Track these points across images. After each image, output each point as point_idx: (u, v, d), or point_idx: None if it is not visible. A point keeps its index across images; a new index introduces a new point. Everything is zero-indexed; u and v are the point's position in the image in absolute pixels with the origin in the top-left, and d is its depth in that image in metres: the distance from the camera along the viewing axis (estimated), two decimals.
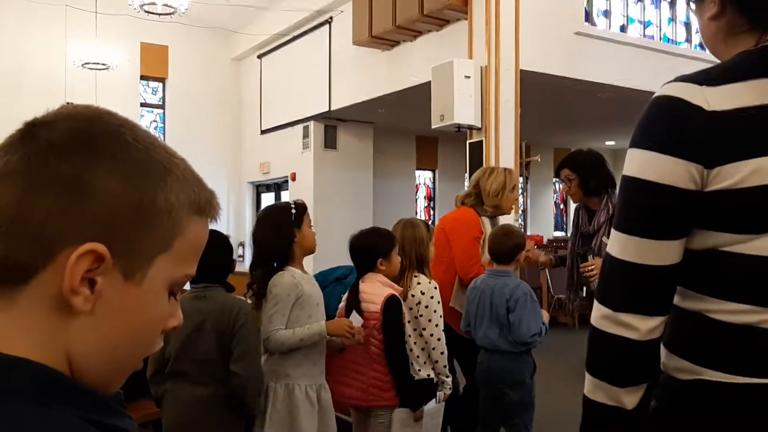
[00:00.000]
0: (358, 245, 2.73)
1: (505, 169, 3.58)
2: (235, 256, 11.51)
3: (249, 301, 2.51)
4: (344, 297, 2.71)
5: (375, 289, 2.64)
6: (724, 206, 0.95)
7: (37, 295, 0.55)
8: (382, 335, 2.61)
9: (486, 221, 3.49)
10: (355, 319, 2.55)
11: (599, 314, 1.05)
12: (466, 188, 3.74)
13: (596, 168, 3.27)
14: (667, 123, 0.98)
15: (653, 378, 1.06)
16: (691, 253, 1.00)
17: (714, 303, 0.99)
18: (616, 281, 1.04)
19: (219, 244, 2.43)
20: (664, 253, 0.99)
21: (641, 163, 0.99)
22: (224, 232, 10.10)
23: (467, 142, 7.37)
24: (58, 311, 0.55)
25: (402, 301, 2.68)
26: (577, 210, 3.44)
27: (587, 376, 1.09)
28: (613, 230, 1.05)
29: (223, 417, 2.35)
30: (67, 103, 0.63)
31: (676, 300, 1.05)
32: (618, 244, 1.03)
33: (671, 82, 1.00)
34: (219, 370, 2.33)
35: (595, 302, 1.07)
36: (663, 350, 1.07)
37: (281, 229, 2.49)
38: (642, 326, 1.00)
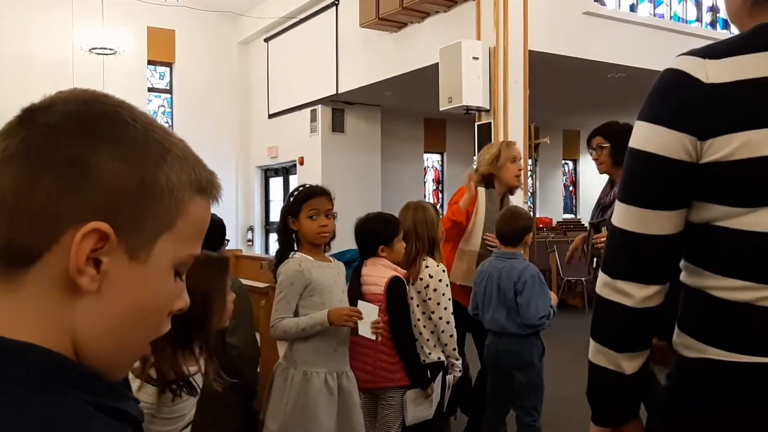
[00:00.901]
0: (362, 230, 2.73)
1: (502, 142, 3.58)
2: (243, 240, 11.53)
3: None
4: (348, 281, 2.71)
5: (378, 272, 2.62)
6: (716, 178, 0.95)
7: (43, 277, 0.55)
8: (388, 317, 2.59)
9: (482, 192, 3.49)
10: (365, 306, 2.47)
11: (601, 282, 1.09)
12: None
13: (629, 139, 3.24)
14: (666, 96, 1.00)
15: (649, 347, 1.09)
16: (691, 226, 1.01)
17: (714, 279, 1.00)
18: (615, 250, 1.07)
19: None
20: (660, 223, 1.01)
21: (642, 135, 1.02)
22: (233, 216, 10.10)
23: (475, 124, 7.33)
24: (64, 293, 0.55)
25: (406, 283, 2.67)
26: (606, 185, 3.41)
27: (591, 341, 1.12)
28: (617, 201, 1.08)
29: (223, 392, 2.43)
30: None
31: (683, 277, 1.06)
32: (619, 214, 1.06)
33: (680, 55, 1.01)
34: (215, 345, 2.42)
35: (600, 270, 1.11)
36: (675, 329, 1.08)
37: (282, 217, 2.50)
38: (637, 294, 1.04)
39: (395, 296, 2.60)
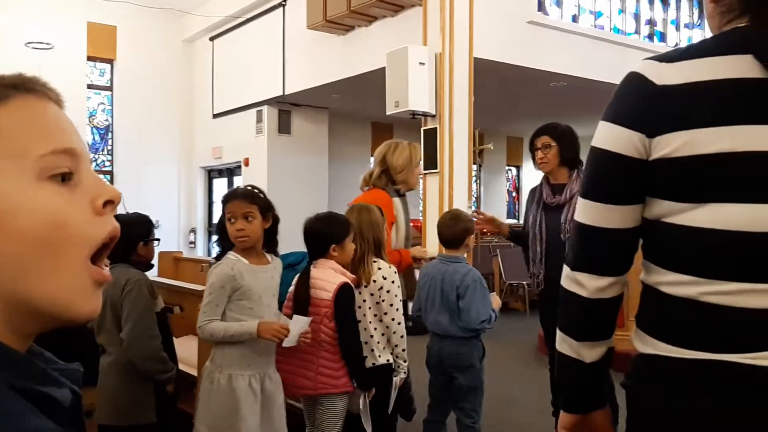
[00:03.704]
0: (312, 230, 2.70)
1: (409, 144, 3.55)
2: (185, 242, 11.26)
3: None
4: (294, 282, 2.67)
5: (327, 276, 2.60)
6: (662, 174, 1.00)
7: None
8: (335, 324, 2.58)
9: (398, 203, 3.43)
10: (298, 319, 2.47)
11: (564, 273, 1.14)
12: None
13: (574, 140, 3.31)
14: (622, 97, 1.06)
15: (609, 337, 1.13)
16: (645, 222, 1.06)
17: (663, 275, 1.04)
18: (574, 242, 1.13)
19: (120, 226, 2.56)
20: (614, 217, 1.05)
21: (600, 134, 1.07)
22: (175, 217, 9.85)
23: (422, 129, 7.39)
24: None
25: (354, 289, 2.66)
26: (534, 188, 3.45)
27: (557, 330, 1.17)
28: (579, 196, 1.14)
29: (126, 382, 2.54)
30: None
31: (642, 275, 1.10)
32: (579, 209, 1.12)
33: (644, 59, 1.07)
34: (117, 340, 2.54)
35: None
36: (634, 325, 1.12)
37: (220, 218, 2.48)
38: (590, 284, 1.09)
39: (344, 304, 2.58)
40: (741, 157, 0.94)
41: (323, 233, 2.66)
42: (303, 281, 2.61)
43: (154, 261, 5.77)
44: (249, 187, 2.50)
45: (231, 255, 2.42)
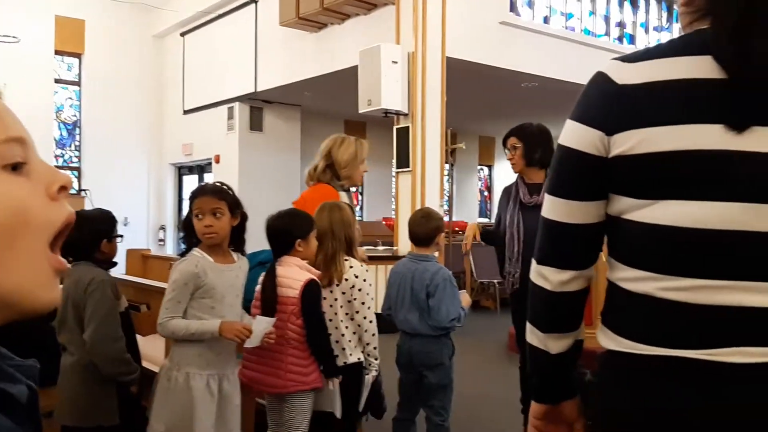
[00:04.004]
0: (275, 227, 2.67)
1: (356, 139, 3.52)
2: (155, 240, 11.11)
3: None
4: (260, 281, 2.65)
5: (293, 274, 2.58)
6: (620, 171, 1.02)
7: None
8: (302, 320, 2.57)
9: (344, 197, 3.38)
10: (262, 320, 2.44)
11: (532, 267, 1.17)
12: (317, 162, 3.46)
13: (543, 141, 3.32)
14: (586, 96, 1.08)
15: (575, 329, 1.17)
16: (608, 219, 1.08)
17: (622, 271, 1.06)
18: (540, 237, 1.16)
19: (82, 222, 2.56)
20: (577, 212, 1.08)
21: (565, 132, 1.10)
22: (144, 215, 9.71)
23: (394, 127, 7.40)
24: None
25: (320, 286, 2.64)
26: (509, 187, 3.46)
27: (527, 322, 1.21)
28: (545, 193, 1.17)
29: (87, 383, 2.48)
30: None
31: (607, 272, 1.12)
32: (545, 204, 1.14)
33: (610, 59, 1.09)
34: (79, 340, 2.48)
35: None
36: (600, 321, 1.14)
37: (186, 215, 2.45)
38: (554, 278, 1.12)
39: (311, 300, 2.56)
40: (693, 155, 0.95)
41: (287, 229, 2.64)
42: (269, 279, 2.58)
43: (122, 258, 5.72)
44: (218, 184, 2.47)
45: (196, 252, 2.38)
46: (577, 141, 1.06)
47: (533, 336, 1.18)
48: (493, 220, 3.92)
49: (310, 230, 2.66)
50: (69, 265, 2.66)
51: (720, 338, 0.95)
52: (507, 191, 3.46)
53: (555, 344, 1.15)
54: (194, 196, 2.41)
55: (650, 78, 1.00)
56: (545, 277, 1.13)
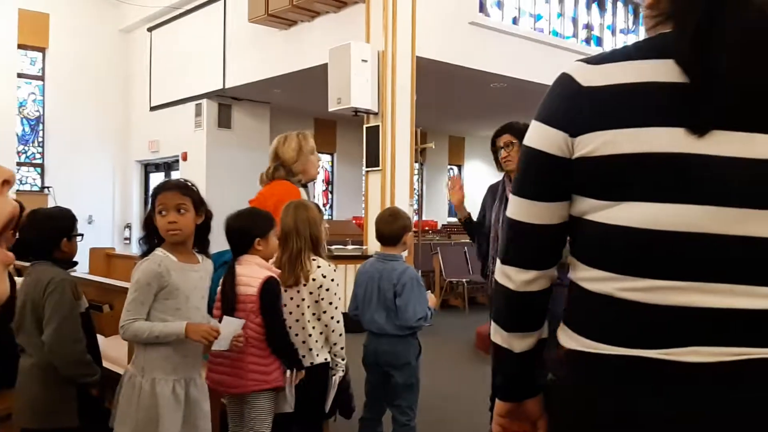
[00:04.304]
0: (234, 226, 2.64)
1: (298, 133, 3.49)
2: (120, 239, 10.90)
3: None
4: (221, 281, 2.62)
5: (252, 272, 2.55)
6: (583, 173, 1.03)
7: None
8: (261, 319, 2.53)
9: (302, 193, 3.37)
10: (231, 321, 2.39)
11: (496, 266, 1.18)
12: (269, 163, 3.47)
13: None
14: (551, 97, 1.09)
15: (537, 328, 1.17)
16: (571, 219, 1.09)
17: (584, 271, 1.07)
18: (504, 237, 1.16)
19: (41, 221, 2.52)
20: (540, 213, 1.09)
21: (531, 132, 1.10)
22: (109, 213, 9.48)
23: (364, 126, 7.39)
24: None
25: (279, 283, 2.62)
26: (494, 185, 3.45)
27: (492, 321, 1.21)
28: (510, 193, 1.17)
29: (46, 385, 2.43)
30: None
31: (569, 272, 1.13)
32: (510, 205, 1.15)
33: (575, 61, 1.10)
34: (38, 341, 2.43)
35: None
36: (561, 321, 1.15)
37: (148, 213, 2.37)
38: (517, 278, 1.12)
39: (270, 298, 2.53)
40: (654, 158, 0.96)
41: (246, 229, 2.62)
42: (229, 278, 2.55)
43: (85, 257, 5.61)
44: (182, 180, 2.40)
45: (159, 251, 2.30)
46: (541, 142, 1.07)
47: (497, 335, 1.19)
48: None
49: (270, 229, 2.64)
50: (23, 262, 2.61)
51: (676, 338, 0.97)
52: (492, 189, 3.46)
53: (518, 343, 1.16)
54: (157, 191, 2.32)
55: (614, 80, 1.01)
56: (509, 276, 1.13)
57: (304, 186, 3.46)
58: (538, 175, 1.09)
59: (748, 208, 0.94)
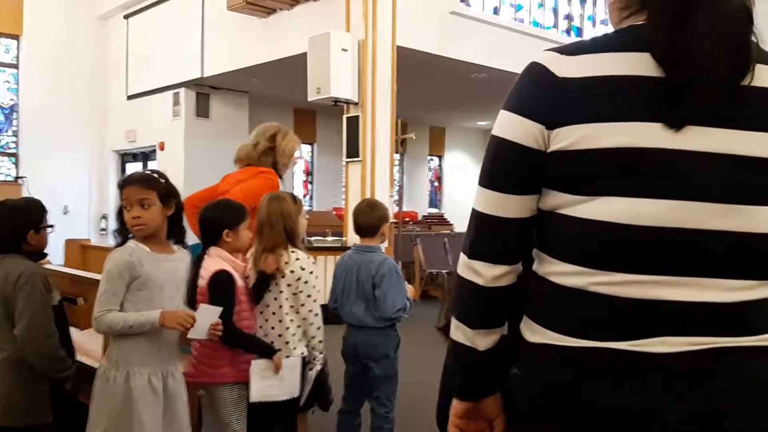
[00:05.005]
0: (205, 217, 2.63)
1: (297, 140, 3.61)
2: (96, 230, 10.77)
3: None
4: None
5: (209, 264, 2.54)
6: (559, 167, 1.01)
7: None
8: None
9: (280, 185, 3.43)
10: (208, 309, 2.35)
11: (460, 261, 1.14)
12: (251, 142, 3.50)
13: None
14: (523, 86, 1.06)
15: (502, 325, 1.15)
16: (540, 213, 1.07)
17: (554, 265, 1.05)
18: (470, 231, 1.13)
19: (7, 213, 2.50)
20: (510, 206, 1.06)
21: (500, 122, 1.07)
22: (85, 203, 9.38)
23: (344, 116, 7.34)
24: None
25: (233, 277, 2.55)
26: None
27: (452, 318, 1.18)
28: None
29: (19, 380, 2.39)
30: None
31: (534, 266, 1.11)
32: (476, 197, 1.11)
33: (544, 50, 1.06)
34: (9, 336, 2.39)
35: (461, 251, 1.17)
36: (524, 315, 1.13)
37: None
38: (486, 273, 1.09)
39: (217, 291, 2.49)
40: (631, 152, 0.96)
41: (216, 219, 2.61)
42: (193, 269, 2.52)
43: (60, 249, 5.52)
44: (148, 172, 2.36)
45: (131, 242, 2.27)
46: (514, 133, 1.04)
47: (459, 332, 1.15)
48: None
49: (241, 221, 2.62)
50: None
51: (646, 330, 0.97)
52: None
53: (483, 340, 1.13)
54: (121, 186, 2.29)
55: (591, 73, 0.99)
56: (477, 271, 1.10)
57: (279, 177, 3.49)
58: (509, 167, 1.06)
59: (723, 203, 0.95)
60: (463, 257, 1.13)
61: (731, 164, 0.94)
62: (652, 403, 0.95)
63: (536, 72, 1.04)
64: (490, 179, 1.08)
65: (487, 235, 1.10)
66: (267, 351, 2.61)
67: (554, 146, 1.00)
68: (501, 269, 1.09)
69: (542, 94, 1.02)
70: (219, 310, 2.38)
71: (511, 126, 1.05)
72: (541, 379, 1.06)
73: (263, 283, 2.70)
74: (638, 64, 0.97)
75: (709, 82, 0.94)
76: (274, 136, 3.46)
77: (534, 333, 1.07)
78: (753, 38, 0.97)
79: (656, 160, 0.95)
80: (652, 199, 0.95)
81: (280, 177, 3.47)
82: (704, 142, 0.94)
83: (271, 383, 2.58)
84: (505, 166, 1.06)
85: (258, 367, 2.56)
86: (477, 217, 1.10)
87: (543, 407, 1.05)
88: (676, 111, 0.95)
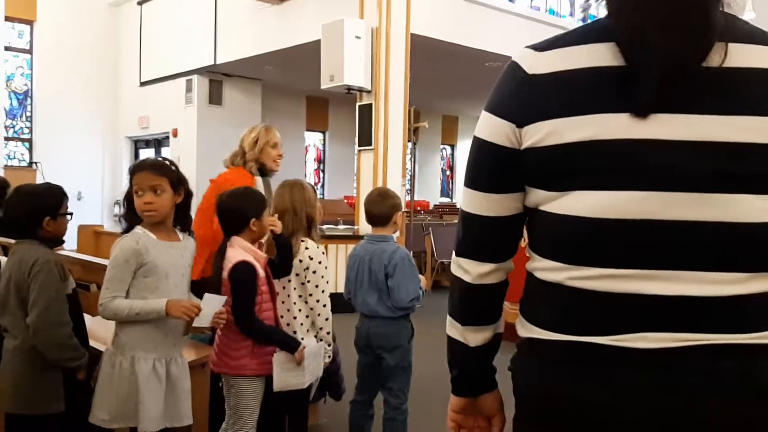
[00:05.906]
0: (228, 207, 2.58)
1: (263, 126, 3.64)
2: (109, 216, 10.82)
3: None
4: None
5: (232, 255, 2.50)
6: (532, 163, 1.01)
7: None
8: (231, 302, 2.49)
9: (259, 180, 3.48)
10: (212, 298, 2.34)
11: (452, 259, 1.18)
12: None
13: None
14: (499, 86, 1.07)
15: (493, 322, 1.17)
16: (526, 211, 1.08)
17: (537, 261, 1.06)
18: (459, 230, 1.15)
19: (23, 198, 2.45)
20: (492, 205, 1.08)
21: (480, 123, 1.09)
22: (98, 189, 9.42)
23: (357, 104, 7.30)
24: None
25: (255, 268, 2.50)
26: None
27: (448, 315, 1.21)
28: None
29: (31, 368, 2.37)
30: None
31: (527, 264, 1.11)
32: (462, 197, 1.14)
33: (524, 47, 1.06)
34: (22, 323, 2.36)
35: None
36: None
37: (128, 191, 2.33)
38: (473, 270, 1.12)
39: (237, 282, 2.46)
40: (598, 145, 0.94)
41: (241, 208, 2.56)
42: (218, 260, 2.50)
43: (73, 235, 5.54)
44: (160, 159, 2.38)
45: (138, 229, 2.28)
46: (490, 133, 1.05)
47: (452, 328, 1.18)
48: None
49: (264, 209, 2.59)
50: (9, 240, 2.54)
51: (627, 325, 0.95)
52: None
53: (474, 337, 1.16)
54: (133, 171, 2.30)
55: (557, 68, 0.99)
56: (465, 269, 1.13)
57: (264, 176, 3.55)
58: (489, 167, 1.07)
59: (695, 192, 0.91)
60: (453, 255, 1.17)
61: (700, 151, 0.91)
62: (627, 400, 0.94)
63: (509, 70, 1.05)
64: (471, 180, 1.11)
65: (473, 234, 1.12)
66: (291, 345, 2.57)
67: (526, 144, 1.01)
68: (487, 267, 1.12)
69: (513, 93, 1.03)
70: (223, 299, 2.38)
71: (488, 126, 1.06)
72: (523, 373, 1.08)
73: (285, 249, 2.67)
74: (604, 55, 0.96)
75: (665, 67, 0.90)
76: (241, 139, 3.58)
77: (523, 328, 1.09)
78: (719, 17, 0.92)
79: (624, 151, 0.93)
80: (617, 191, 0.94)
81: (263, 176, 3.55)
82: (671, 130, 0.91)
83: (294, 373, 2.57)
84: (484, 167, 1.08)
85: (280, 359, 2.54)
86: (463, 216, 1.13)
87: (529, 402, 1.07)
88: (640, 99, 0.92)
